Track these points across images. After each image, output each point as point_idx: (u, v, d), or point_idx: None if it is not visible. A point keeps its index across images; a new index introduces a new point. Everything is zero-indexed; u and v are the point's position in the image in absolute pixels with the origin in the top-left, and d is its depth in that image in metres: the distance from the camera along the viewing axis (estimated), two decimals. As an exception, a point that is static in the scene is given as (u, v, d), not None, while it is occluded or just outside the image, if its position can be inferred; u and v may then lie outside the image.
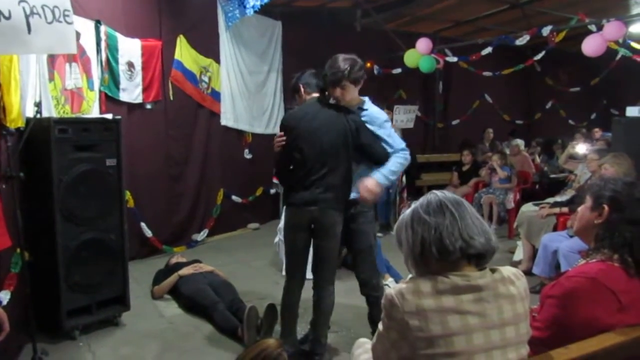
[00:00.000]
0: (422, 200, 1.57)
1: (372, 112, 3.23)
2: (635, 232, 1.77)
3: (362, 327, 3.63)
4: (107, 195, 3.65)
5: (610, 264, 1.75)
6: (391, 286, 4.35)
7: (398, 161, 3.14)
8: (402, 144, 3.20)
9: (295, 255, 3.21)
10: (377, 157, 3.15)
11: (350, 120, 3.10)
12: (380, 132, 3.17)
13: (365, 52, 8.41)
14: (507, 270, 1.52)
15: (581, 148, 7.22)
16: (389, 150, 3.15)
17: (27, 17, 2.63)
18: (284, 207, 3.31)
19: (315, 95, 3.24)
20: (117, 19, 4.95)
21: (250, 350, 1.45)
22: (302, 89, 3.28)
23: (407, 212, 1.59)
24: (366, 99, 3.31)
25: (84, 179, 3.48)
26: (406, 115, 6.83)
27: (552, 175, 8.12)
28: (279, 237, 5.13)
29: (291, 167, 3.12)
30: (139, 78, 5.24)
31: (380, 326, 1.54)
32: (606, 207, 1.83)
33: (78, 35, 4.32)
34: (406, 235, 1.55)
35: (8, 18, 2.55)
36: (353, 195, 3.19)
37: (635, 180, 1.93)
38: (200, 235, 6.17)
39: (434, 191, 1.59)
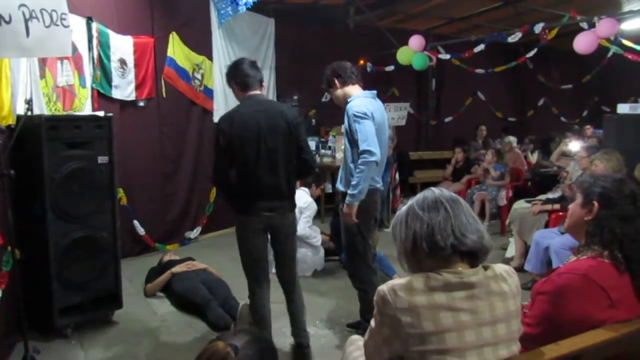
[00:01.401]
0: (419, 196, 1.58)
1: (349, 106, 3.27)
2: (625, 228, 1.78)
3: (355, 324, 3.65)
4: (99, 193, 3.63)
5: (600, 260, 1.76)
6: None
7: (357, 172, 3.13)
8: (365, 145, 3.08)
9: (259, 262, 3.13)
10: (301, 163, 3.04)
11: (291, 117, 2.97)
12: (351, 127, 3.22)
13: (358, 49, 8.44)
14: (499, 268, 1.53)
15: (574, 145, 7.27)
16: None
17: (26, 21, 2.62)
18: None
19: (253, 92, 3.03)
20: (108, 16, 4.92)
21: (199, 355, 1.44)
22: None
23: (403, 208, 1.60)
24: (360, 94, 3.36)
25: (75, 177, 3.46)
26: (397, 112, 6.79)
27: (543, 169, 8.15)
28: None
29: (234, 174, 2.97)
30: (131, 75, 5.21)
31: (372, 322, 1.55)
32: (596, 204, 1.84)
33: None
34: (400, 230, 1.57)
35: (8, 22, 2.54)
36: (342, 187, 3.31)
37: (625, 176, 1.94)
38: (193, 233, 6.16)
39: (432, 188, 1.60)
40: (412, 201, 1.59)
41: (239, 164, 2.93)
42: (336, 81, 3.38)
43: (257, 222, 3.00)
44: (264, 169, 2.91)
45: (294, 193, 3.09)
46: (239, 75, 3.02)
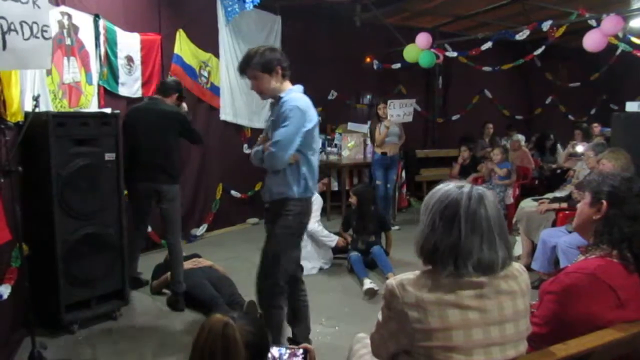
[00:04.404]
0: (444, 198, 1.49)
1: (282, 102, 2.87)
2: (634, 227, 1.77)
3: (359, 322, 3.65)
4: (105, 189, 3.64)
5: (609, 260, 1.75)
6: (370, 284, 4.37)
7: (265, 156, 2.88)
8: (275, 139, 2.80)
9: (141, 215, 4.26)
10: (194, 140, 4.37)
11: (178, 116, 4.10)
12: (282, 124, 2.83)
13: (365, 46, 8.43)
14: (510, 266, 1.51)
15: (580, 148, 7.25)
16: None
17: (3, 34, 2.59)
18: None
19: (156, 95, 4.25)
20: (116, 13, 4.93)
21: (199, 329, 1.49)
22: None
23: (438, 194, 1.52)
24: (292, 88, 2.95)
25: (82, 174, 3.48)
26: (402, 109, 6.64)
27: (553, 166, 8.12)
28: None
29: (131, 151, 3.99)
30: (138, 72, 5.22)
31: (379, 316, 1.56)
32: (605, 203, 1.83)
33: (77, 29, 4.31)
34: (423, 215, 1.53)
35: None
36: (276, 196, 2.97)
37: (633, 175, 1.92)
38: (200, 230, 6.17)
39: (455, 191, 1.49)
40: (438, 198, 1.51)
41: (136, 147, 3.97)
42: (279, 70, 2.88)
43: (145, 188, 4.05)
44: (152, 152, 3.94)
45: (169, 170, 4.03)
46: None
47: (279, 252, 2.98)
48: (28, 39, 2.72)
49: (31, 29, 2.73)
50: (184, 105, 4.42)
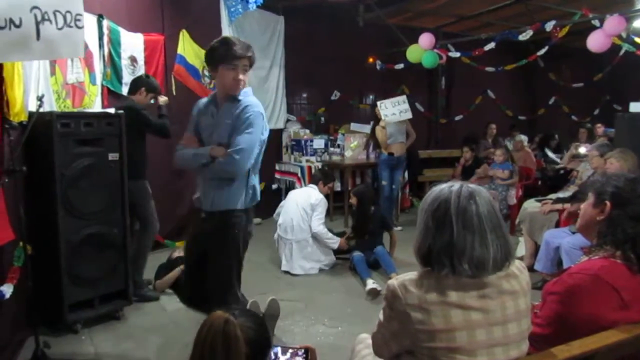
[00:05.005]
0: (434, 201, 1.50)
1: (243, 106, 2.76)
2: (637, 228, 1.76)
3: (362, 322, 3.65)
4: (109, 189, 3.65)
5: (612, 261, 1.74)
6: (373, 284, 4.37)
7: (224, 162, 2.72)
8: (239, 146, 2.67)
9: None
10: (157, 133, 4.26)
11: (129, 111, 3.98)
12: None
13: (368, 47, 8.44)
14: (511, 265, 1.51)
15: (583, 149, 7.25)
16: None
17: (37, 23, 2.58)
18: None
19: (129, 96, 4.31)
20: (119, 14, 4.94)
21: (200, 326, 1.49)
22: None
23: (429, 197, 1.53)
24: (247, 89, 2.84)
25: (86, 173, 3.49)
26: (396, 107, 6.48)
27: (558, 166, 8.11)
28: (278, 233, 5.15)
29: None
30: (141, 72, 5.22)
31: (381, 316, 1.55)
32: (608, 203, 1.82)
33: (80, 29, 4.32)
34: (417, 223, 1.54)
35: (18, 26, 2.51)
36: (219, 206, 2.82)
37: (638, 176, 1.91)
38: (202, 230, 6.17)
39: (446, 190, 1.50)
40: (428, 201, 1.52)
41: None
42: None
43: None
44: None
45: (133, 162, 3.92)
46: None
47: (233, 265, 2.92)
48: (62, 28, 2.70)
49: (64, 17, 2.71)
50: (161, 98, 4.37)
